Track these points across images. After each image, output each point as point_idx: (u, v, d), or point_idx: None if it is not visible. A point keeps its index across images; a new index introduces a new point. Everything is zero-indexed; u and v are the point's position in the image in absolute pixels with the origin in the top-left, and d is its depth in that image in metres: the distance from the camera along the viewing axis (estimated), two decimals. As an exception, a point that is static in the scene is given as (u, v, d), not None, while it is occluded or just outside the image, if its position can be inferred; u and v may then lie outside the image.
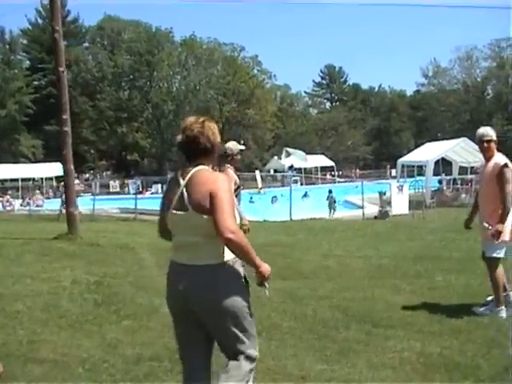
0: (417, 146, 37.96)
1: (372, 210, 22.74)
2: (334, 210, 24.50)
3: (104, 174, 63.08)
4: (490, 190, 6.52)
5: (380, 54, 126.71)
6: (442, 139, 37.55)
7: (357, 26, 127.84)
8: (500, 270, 6.53)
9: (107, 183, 49.62)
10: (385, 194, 22.82)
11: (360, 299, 7.36)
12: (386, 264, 9.93)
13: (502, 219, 6.29)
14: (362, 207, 22.47)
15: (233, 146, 7.13)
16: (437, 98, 78.37)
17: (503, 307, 6.49)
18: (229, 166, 7.00)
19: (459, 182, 30.11)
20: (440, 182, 30.33)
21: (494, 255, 6.51)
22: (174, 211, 3.44)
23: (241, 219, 5.68)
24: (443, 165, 32.21)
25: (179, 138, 3.52)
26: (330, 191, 25.46)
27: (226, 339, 3.51)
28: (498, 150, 6.68)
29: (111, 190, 46.04)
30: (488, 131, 6.68)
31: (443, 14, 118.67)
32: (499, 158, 6.53)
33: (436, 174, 30.14)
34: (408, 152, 37.56)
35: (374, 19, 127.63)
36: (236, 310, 3.43)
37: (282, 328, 6.16)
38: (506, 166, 6.43)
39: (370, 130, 77.09)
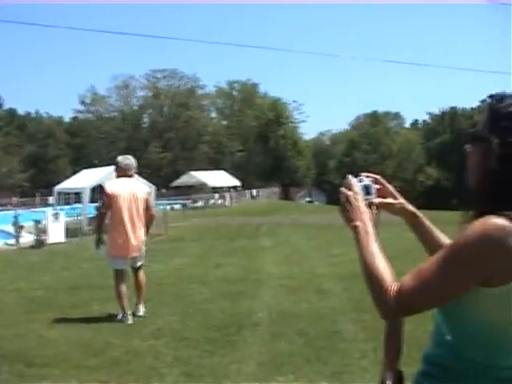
0: (74, 173, 37.64)
1: (28, 239, 21.84)
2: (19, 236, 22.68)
3: None
4: None
5: (38, 78, 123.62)
6: (99, 166, 37.85)
7: (10, 49, 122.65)
8: (117, 282, 7.66)
9: None
10: (40, 222, 22.08)
11: (12, 337, 6.89)
12: (41, 296, 9.54)
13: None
14: (17, 236, 21.42)
15: None
16: (94, 125, 79.10)
17: (126, 314, 7.52)
18: None
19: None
20: (97, 208, 30.46)
21: (110, 267, 7.90)
22: None
23: None
24: (100, 191, 32.46)
25: None
26: (16, 217, 23.49)
27: None
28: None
29: None
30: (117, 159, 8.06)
31: (105, 42, 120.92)
32: None
33: (93, 200, 30.15)
34: (65, 179, 37.03)
35: (33, 41, 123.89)
36: None
37: None
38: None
39: (26, 156, 74.38)
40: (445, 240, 1.98)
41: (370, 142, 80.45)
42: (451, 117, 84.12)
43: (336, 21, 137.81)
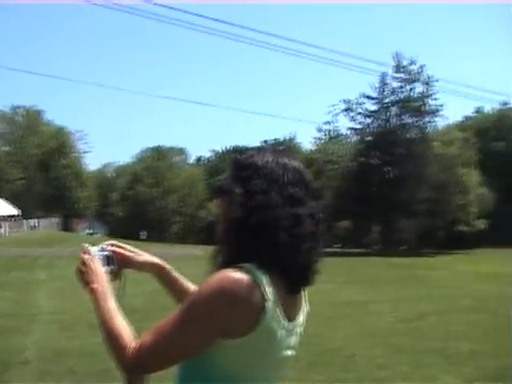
0: None
1: None
2: None
3: None
4: None
5: None
6: None
7: None
8: None
9: None
10: None
11: None
12: None
13: None
14: None
15: None
16: None
17: None
18: None
19: None
20: None
21: None
22: None
23: None
24: None
25: None
26: None
27: None
28: None
29: None
30: None
31: None
32: None
33: None
34: None
35: None
36: None
37: None
38: None
39: None
40: (194, 289, 1.95)
41: (153, 176, 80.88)
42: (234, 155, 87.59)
43: (120, 55, 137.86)
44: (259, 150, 1.73)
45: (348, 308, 12.29)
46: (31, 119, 78.25)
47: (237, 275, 1.53)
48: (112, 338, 1.62)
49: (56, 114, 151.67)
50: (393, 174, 39.95)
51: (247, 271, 1.54)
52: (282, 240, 1.58)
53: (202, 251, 31.96)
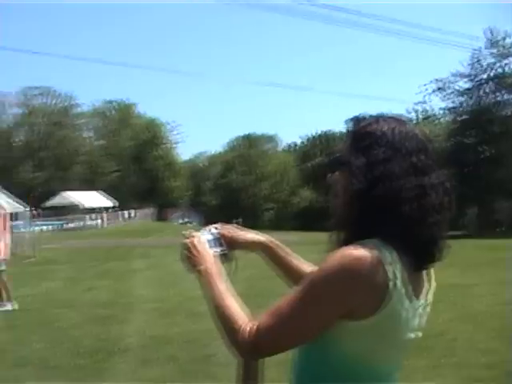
0: None
1: None
2: None
3: None
4: None
5: None
6: None
7: None
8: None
9: None
10: None
11: None
12: None
13: None
14: None
15: None
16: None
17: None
18: None
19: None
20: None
21: None
22: None
23: None
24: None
25: None
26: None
27: None
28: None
29: None
30: None
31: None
32: None
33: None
34: None
35: None
36: None
37: None
38: None
39: None
40: (307, 268, 1.88)
41: (245, 164, 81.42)
42: (325, 140, 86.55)
43: (209, 43, 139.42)
44: (378, 118, 1.61)
45: (448, 291, 11.90)
46: (123, 112, 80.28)
47: (359, 252, 1.43)
48: (226, 321, 1.56)
49: (148, 106, 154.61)
50: (489, 153, 38.50)
51: (371, 248, 1.44)
52: (406, 213, 1.47)
53: (297, 237, 32.05)
